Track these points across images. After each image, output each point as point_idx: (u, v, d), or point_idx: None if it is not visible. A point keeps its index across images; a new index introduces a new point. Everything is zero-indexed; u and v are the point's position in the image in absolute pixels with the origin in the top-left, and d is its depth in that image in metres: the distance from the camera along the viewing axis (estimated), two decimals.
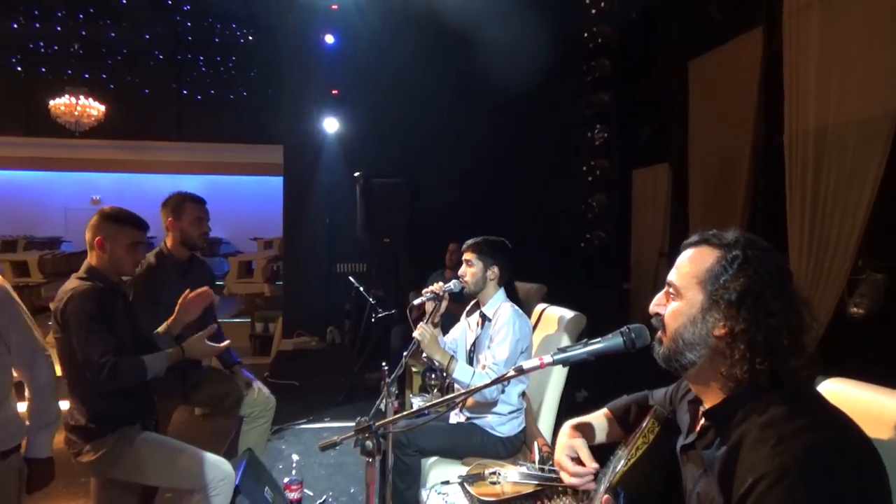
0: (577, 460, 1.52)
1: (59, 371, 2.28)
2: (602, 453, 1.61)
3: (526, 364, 1.28)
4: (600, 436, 1.65)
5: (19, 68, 14.18)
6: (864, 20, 3.83)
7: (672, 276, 1.28)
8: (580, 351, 1.25)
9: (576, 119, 7.45)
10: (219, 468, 2.42)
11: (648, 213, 6.86)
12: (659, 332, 1.27)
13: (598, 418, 1.68)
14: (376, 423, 1.55)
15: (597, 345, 1.25)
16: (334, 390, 5.50)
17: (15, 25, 12.36)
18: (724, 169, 5.39)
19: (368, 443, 1.56)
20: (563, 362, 1.25)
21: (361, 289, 5.43)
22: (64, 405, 2.29)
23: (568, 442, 1.54)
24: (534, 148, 7.28)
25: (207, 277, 3.24)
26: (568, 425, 1.61)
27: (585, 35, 7.24)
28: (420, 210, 6.70)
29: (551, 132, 7.28)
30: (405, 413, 1.63)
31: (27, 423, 2.11)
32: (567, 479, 1.53)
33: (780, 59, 4.49)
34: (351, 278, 5.65)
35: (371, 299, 5.36)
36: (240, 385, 3.22)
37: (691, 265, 1.24)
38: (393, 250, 6.68)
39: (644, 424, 1.52)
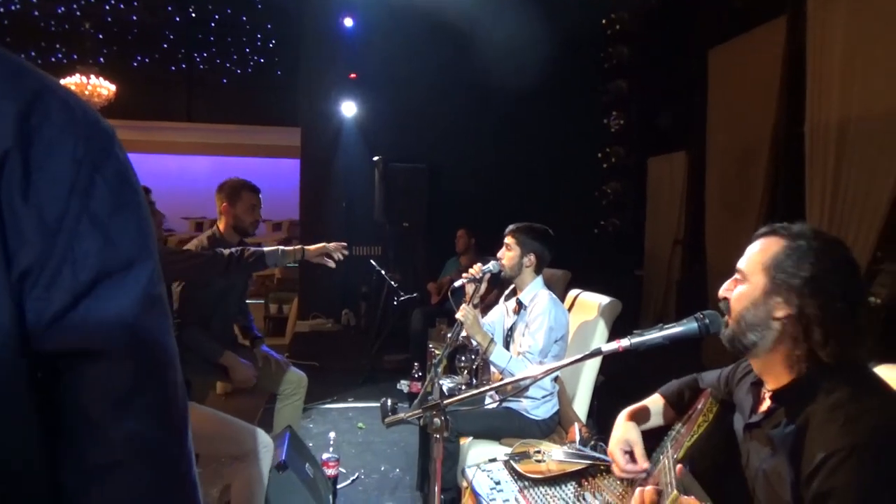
0: (631, 454, 1.59)
1: None
2: (651, 439, 1.69)
3: (604, 347, 1.36)
4: (655, 420, 1.73)
5: (32, 52, 14.16)
6: (891, 12, 3.86)
7: (741, 262, 1.37)
8: (657, 335, 1.32)
9: (592, 106, 7.48)
10: (259, 436, 2.52)
11: (664, 200, 6.91)
12: (726, 316, 1.36)
13: (653, 403, 1.76)
14: (445, 402, 1.63)
15: (672, 329, 1.32)
16: (354, 371, 5.59)
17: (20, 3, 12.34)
18: (743, 158, 5.43)
19: (437, 420, 1.64)
20: (640, 346, 1.32)
21: (383, 272, 5.50)
22: None
23: (624, 435, 1.60)
24: (550, 134, 7.32)
25: None
26: (624, 415, 1.68)
27: (604, 22, 7.25)
28: (439, 195, 6.76)
29: (568, 119, 7.29)
30: (474, 392, 1.71)
31: None
32: (617, 473, 1.61)
33: (804, 50, 4.52)
34: (372, 262, 5.72)
35: (392, 282, 5.44)
36: (256, 357, 3.29)
37: (759, 253, 1.33)
38: (411, 235, 6.74)
39: (701, 405, 1.60)
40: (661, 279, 6.84)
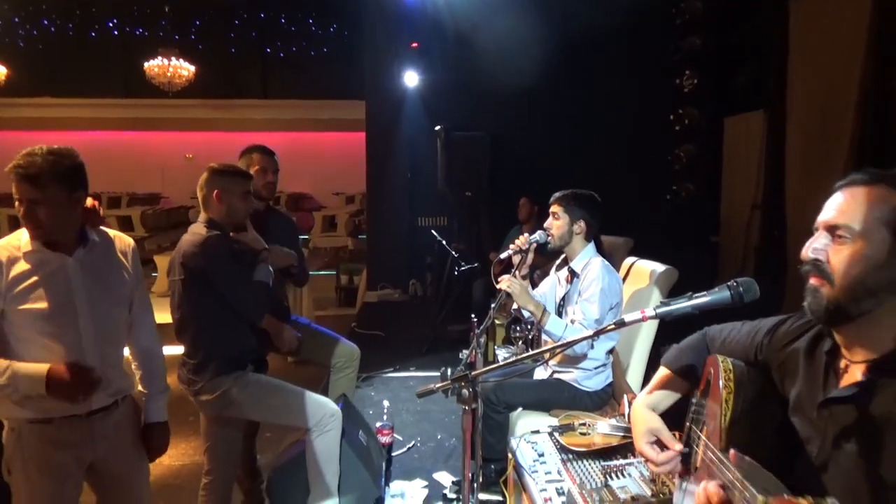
0: (659, 443, 1.47)
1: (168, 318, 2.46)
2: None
3: (627, 317, 1.28)
4: (670, 398, 1.58)
5: (116, 32, 14.87)
6: None
7: (841, 218, 1.17)
8: (685, 304, 1.23)
9: (663, 65, 7.12)
10: (327, 406, 2.60)
11: (741, 163, 6.55)
12: (813, 280, 1.18)
13: (663, 382, 1.60)
14: (472, 373, 1.60)
15: (702, 298, 1.22)
16: (418, 341, 5.65)
17: None
18: (827, 116, 5.05)
19: (465, 391, 1.61)
20: (666, 316, 1.24)
21: (444, 242, 5.49)
22: (173, 348, 2.46)
23: (645, 427, 1.48)
24: (617, 97, 7.02)
25: (287, 229, 3.24)
26: (638, 407, 1.55)
27: None
28: (502, 163, 6.66)
29: (636, 80, 6.96)
30: (501, 364, 1.67)
31: (139, 388, 2.16)
32: (654, 469, 1.49)
33: None
34: (433, 231, 5.72)
35: (454, 252, 5.42)
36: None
37: (870, 206, 1.14)
38: (474, 204, 6.69)
39: (714, 375, 1.39)
40: (738, 245, 6.52)
